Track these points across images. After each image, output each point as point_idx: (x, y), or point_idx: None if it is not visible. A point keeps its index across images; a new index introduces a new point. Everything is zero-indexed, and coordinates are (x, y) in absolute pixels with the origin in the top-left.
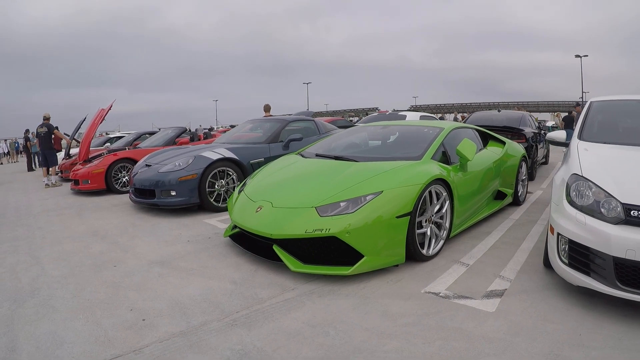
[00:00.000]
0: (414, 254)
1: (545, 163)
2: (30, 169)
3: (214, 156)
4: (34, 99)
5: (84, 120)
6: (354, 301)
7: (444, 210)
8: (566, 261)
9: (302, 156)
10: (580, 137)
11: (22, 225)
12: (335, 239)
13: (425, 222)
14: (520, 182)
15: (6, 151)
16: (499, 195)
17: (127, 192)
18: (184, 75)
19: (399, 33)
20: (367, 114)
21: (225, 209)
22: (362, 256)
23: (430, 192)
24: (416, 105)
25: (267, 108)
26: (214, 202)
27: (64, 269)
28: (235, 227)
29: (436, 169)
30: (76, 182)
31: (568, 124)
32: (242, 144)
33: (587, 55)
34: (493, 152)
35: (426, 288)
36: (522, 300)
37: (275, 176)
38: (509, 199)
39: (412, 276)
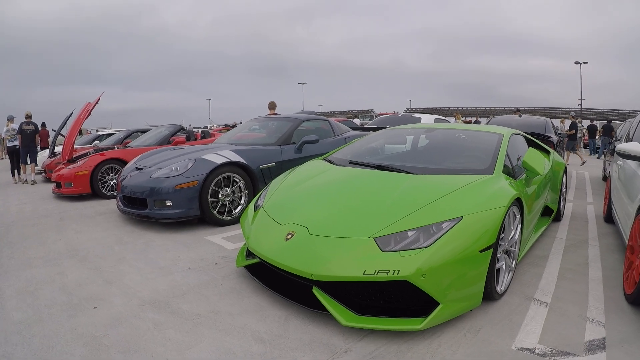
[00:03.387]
0: (489, 294)
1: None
2: (17, 168)
3: (219, 160)
4: (23, 94)
5: (71, 115)
6: None
7: (517, 236)
8: None
9: (331, 163)
10: None
11: None
12: (406, 283)
13: (500, 252)
14: (562, 196)
15: None
16: (545, 211)
17: (114, 197)
18: (177, 74)
19: (394, 36)
20: (375, 117)
21: (230, 223)
22: (437, 304)
23: (508, 216)
24: (411, 108)
25: (272, 105)
26: (217, 215)
27: (30, 309)
28: (250, 252)
29: (511, 186)
30: (58, 185)
31: (607, 132)
32: (249, 146)
33: (587, 62)
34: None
35: (516, 343)
36: (629, 353)
37: (303, 188)
38: (553, 215)
39: (490, 323)
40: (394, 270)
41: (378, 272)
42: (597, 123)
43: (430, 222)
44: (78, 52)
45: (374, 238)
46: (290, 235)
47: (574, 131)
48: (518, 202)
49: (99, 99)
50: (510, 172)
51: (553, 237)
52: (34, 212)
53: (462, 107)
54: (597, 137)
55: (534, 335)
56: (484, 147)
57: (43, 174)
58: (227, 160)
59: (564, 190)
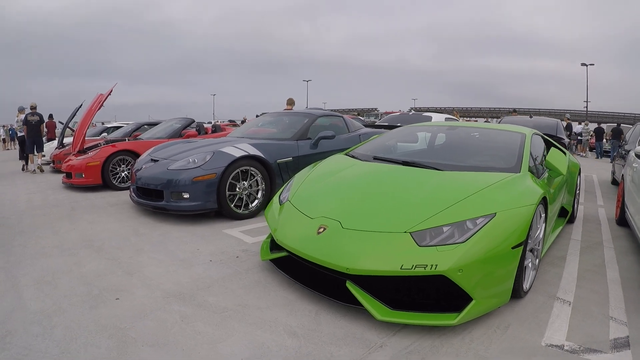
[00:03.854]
0: (516, 291)
1: None
2: (22, 156)
3: (237, 153)
4: (28, 86)
5: (80, 106)
6: None
7: (541, 235)
8: None
9: (355, 158)
10: None
11: (0, 227)
12: (442, 278)
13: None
14: (576, 198)
15: (2, 137)
16: (560, 213)
17: (125, 189)
18: (181, 69)
19: (397, 35)
20: (380, 115)
21: (247, 217)
22: (469, 300)
23: (536, 214)
24: (416, 108)
25: (290, 102)
26: (234, 209)
27: (49, 299)
28: (274, 245)
29: (538, 184)
30: (68, 175)
31: (616, 135)
32: (266, 140)
33: (593, 64)
34: None
35: (545, 339)
36: None
37: (331, 182)
38: (568, 217)
39: (518, 320)
40: (432, 265)
41: (415, 267)
42: (604, 126)
43: (464, 218)
44: (82, 46)
45: (410, 233)
46: (322, 229)
47: (568, 133)
48: (544, 200)
49: (112, 90)
50: (533, 171)
51: (568, 238)
52: (44, 201)
53: (468, 108)
54: (603, 140)
55: (561, 333)
56: (508, 146)
57: (51, 164)
58: (246, 153)
59: (578, 191)
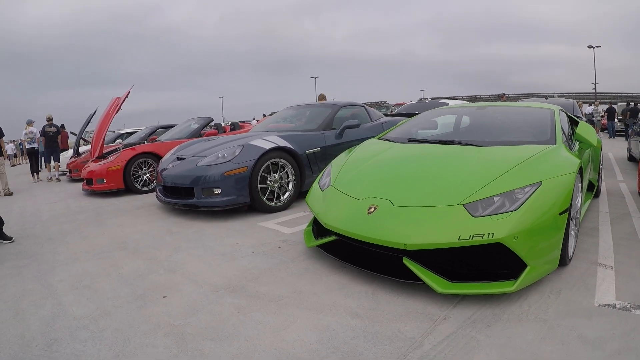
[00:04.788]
0: (563, 258)
1: None
2: (36, 170)
3: (267, 145)
4: (38, 99)
5: (94, 113)
6: (534, 328)
7: (579, 203)
8: None
9: (390, 141)
10: None
11: (27, 237)
12: (498, 245)
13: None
14: (600, 172)
15: (14, 152)
16: (588, 187)
17: (148, 192)
18: (187, 73)
19: (402, 27)
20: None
21: (279, 209)
22: (525, 266)
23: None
24: (424, 99)
25: (322, 97)
26: (266, 201)
27: (91, 303)
28: (319, 232)
29: (574, 154)
30: (89, 182)
31: (634, 114)
32: (294, 132)
33: (599, 46)
34: None
35: (596, 300)
36: None
37: (371, 165)
38: (595, 190)
39: (568, 285)
40: (489, 234)
41: (473, 237)
42: (615, 106)
43: (512, 187)
44: (86, 55)
45: (462, 205)
46: (372, 209)
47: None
48: (580, 170)
49: (129, 92)
50: (565, 144)
51: (597, 211)
52: (67, 209)
53: (476, 95)
54: (615, 119)
55: (610, 294)
56: (539, 121)
57: (68, 174)
58: (275, 145)
59: (601, 166)
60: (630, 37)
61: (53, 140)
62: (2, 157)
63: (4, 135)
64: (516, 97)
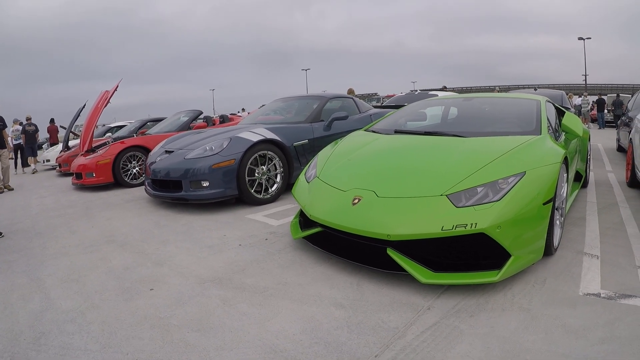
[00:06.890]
0: (548, 248)
1: None
2: (25, 164)
3: (254, 137)
4: (24, 93)
5: (84, 107)
6: (517, 317)
7: (564, 194)
8: None
9: (376, 133)
10: None
11: (17, 232)
12: (481, 235)
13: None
14: (587, 162)
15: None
16: (576, 177)
17: (138, 185)
18: (178, 65)
19: (393, 18)
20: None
21: (267, 202)
22: (509, 255)
23: (560, 173)
24: (414, 90)
25: (350, 91)
26: (254, 194)
27: (79, 297)
28: (305, 223)
29: (559, 145)
30: (78, 176)
31: (617, 106)
32: (282, 124)
33: (590, 38)
34: None
35: (581, 289)
36: None
37: (357, 156)
38: (582, 181)
39: (553, 275)
40: (472, 224)
41: (456, 227)
42: (605, 97)
43: (495, 178)
44: (75, 48)
45: (446, 195)
46: (357, 200)
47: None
48: (565, 160)
49: (118, 86)
50: (551, 135)
51: (584, 201)
52: (57, 203)
53: (467, 87)
54: (605, 111)
55: (595, 283)
56: (525, 112)
57: (57, 168)
58: (263, 137)
59: (589, 157)
60: (622, 29)
61: (32, 137)
62: (5, 150)
63: (6, 127)
64: (507, 89)
